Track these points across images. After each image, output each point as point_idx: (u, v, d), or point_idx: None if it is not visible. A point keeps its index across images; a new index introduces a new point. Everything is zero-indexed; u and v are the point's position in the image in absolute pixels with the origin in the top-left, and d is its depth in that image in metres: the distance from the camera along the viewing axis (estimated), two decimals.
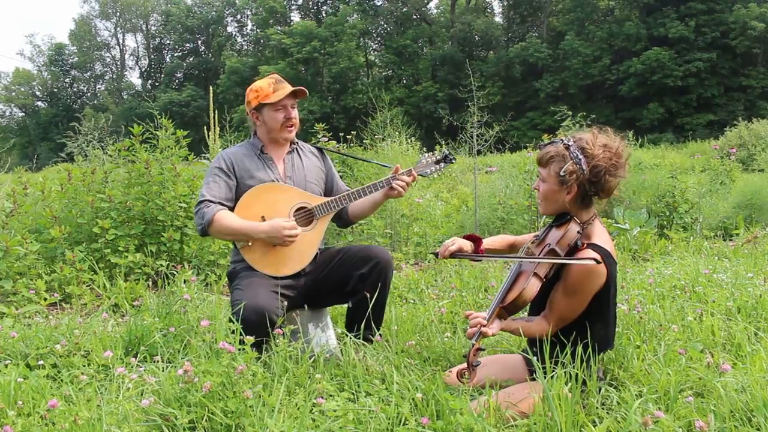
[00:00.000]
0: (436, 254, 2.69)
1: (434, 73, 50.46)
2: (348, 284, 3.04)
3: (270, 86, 3.05)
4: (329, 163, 3.39)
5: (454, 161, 3.27)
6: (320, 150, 3.40)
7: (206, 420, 2.05)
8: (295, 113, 3.10)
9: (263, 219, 2.93)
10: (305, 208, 3.04)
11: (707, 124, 39.00)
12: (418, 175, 3.15)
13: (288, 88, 3.05)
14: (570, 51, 44.75)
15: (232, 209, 2.98)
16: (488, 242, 2.79)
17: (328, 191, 3.32)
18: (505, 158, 13.77)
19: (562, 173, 2.38)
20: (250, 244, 2.92)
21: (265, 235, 2.86)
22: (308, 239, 3.01)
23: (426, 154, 3.24)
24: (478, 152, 7.28)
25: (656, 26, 42.82)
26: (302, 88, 3.09)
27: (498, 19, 57.88)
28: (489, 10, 58.09)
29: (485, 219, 7.30)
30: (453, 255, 2.65)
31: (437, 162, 3.21)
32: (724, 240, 7.04)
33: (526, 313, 2.73)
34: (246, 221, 2.91)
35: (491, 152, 8.39)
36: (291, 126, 3.10)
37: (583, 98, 44.00)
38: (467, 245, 2.69)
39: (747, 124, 20.50)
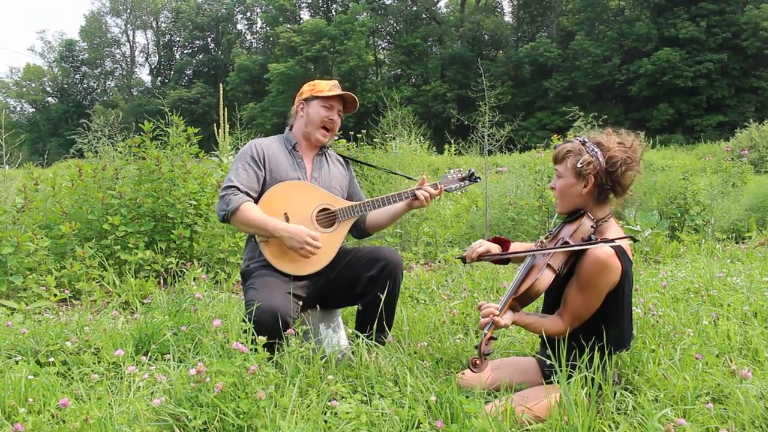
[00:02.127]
0: (464, 258, 2.63)
1: (443, 73, 50.33)
2: (357, 287, 3.00)
3: (328, 85, 3.12)
4: (352, 173, 3.40)
5: (479, 180, 3.26)
6: (345, 159, 3.41)
7: (218, 421, 2.03)
8: (336, 118, 3.14)
9: (286, 216, 2.93)
10: (329, 210, 3.02)
11: (717, 126, 38.73)
12: (444, 189, 3.15)
13: (342, 91, 3.12)
14: (580, 51, 44.53)
15: (256, 201, 2.97)
16: (519, 247, 2.76)
17: (348, 200, 3.28)
18: (514, 158, 13.72)
19: (579, 165, 2.39)
20: (268, 239, 2.90)
21: (286, 235, 2.83)
22: (329, 241, 2.97)
23: (452, 170, 3.22)
24: (489, 152, 7.24)
25: (667, 26, 42.54)
26: (355, 98, 3.17)
27: (508, 18, 57.80)
28: (499, 10, 57.94)
29: (496, 219, 7.26)
30: (480, 257, 2.61)
31: (462, 179, 3.20)
32: (737, 243, 6.98)
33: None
34: (271, 218, 2.89)
35: (502, 152, 8.34)
36: (328, 128, 3.13)
37: (592, 98, 43.81)
38: (495, 247, 2.66)
39: (758, 126, 20.33)
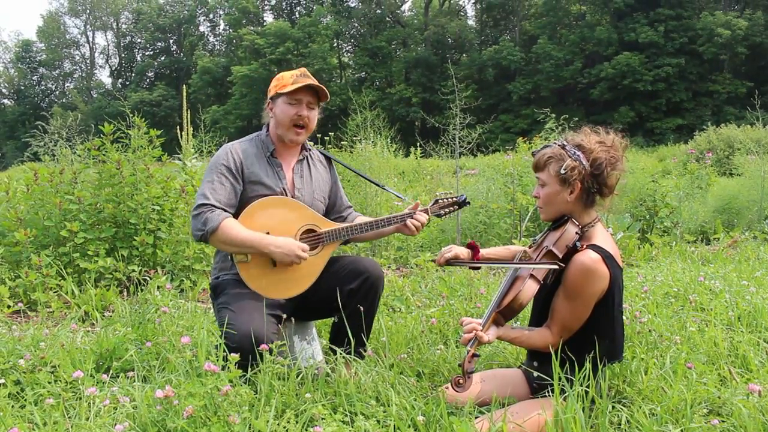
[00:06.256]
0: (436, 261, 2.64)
1: (407, 76, 50.37)
2: (336, 299, 2.79)
3: (292, 77, 2.79)
4: (335, 174, 3.15)
5: (469, 204, 3.07)
6: (329, 159, 3.16)
7: None
8: (308, 113, 2.83)
9: (267, 234, 2.68)
10: (314, 231, 2.78)
11: (676, 128, 39.51)
12: (433, 215, 2.94)
13: (307, 81, 2.78)
14: (542, 54, 45.08)
15: (235, 216, 2.72)
16: (491, 252, 2.68)
17: (330, 205, 3.10)
18: (481, 161, 13.67)
19: (563, 171, 2.30)
20: (248, 259, 2.65)
21: (276, 250, 2.60)
22: (312, 264, 2.75)
23: (441, 194, 3.00)
24: (460, 154, 7.15)
25: (627, 31, 43.36)
26: (323, 87, 2.84)
27: (471, 22, 58.17)
28: (462, 14, 58.33)
29: (467, 223, 7.17)
30: (449, 262, 2.61)
31: (453, 204, 2.98)
32: (707, 245, 7.01)
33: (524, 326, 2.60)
34: (257, 233, 2.64)
35: (473, 155, 8.26)
36: (300, 126, 2.82)
37: (554, 101, 44.21)
38: (464, 252, 2.60)
39: (716, 129, 20.73)
